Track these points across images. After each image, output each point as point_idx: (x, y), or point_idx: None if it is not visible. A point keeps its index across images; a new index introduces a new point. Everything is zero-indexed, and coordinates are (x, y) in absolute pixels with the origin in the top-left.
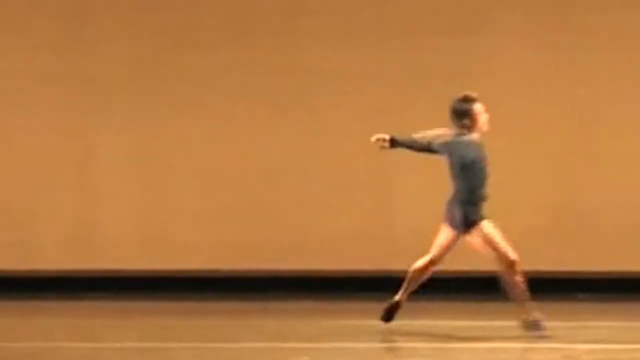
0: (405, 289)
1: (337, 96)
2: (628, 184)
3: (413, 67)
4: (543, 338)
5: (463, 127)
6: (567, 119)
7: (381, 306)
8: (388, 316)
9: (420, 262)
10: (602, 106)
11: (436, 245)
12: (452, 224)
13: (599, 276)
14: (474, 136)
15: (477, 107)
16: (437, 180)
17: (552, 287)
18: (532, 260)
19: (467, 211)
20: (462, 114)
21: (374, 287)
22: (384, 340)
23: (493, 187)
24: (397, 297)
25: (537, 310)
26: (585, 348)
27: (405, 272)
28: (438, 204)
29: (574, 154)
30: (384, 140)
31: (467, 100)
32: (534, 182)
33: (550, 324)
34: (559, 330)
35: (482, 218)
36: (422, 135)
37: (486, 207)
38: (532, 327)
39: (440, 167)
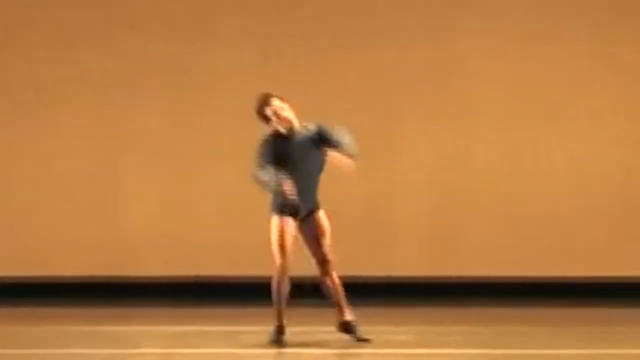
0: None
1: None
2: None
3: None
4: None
5: (270, 124)
6: None
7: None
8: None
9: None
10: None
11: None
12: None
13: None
14: (283, 131)
15: (277, 104)
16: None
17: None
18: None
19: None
20: (264, 114)
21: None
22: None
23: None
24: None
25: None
26: (336, 352)
27: (144, 276)
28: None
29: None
30: None
31: (267, 98)
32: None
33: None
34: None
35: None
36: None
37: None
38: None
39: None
